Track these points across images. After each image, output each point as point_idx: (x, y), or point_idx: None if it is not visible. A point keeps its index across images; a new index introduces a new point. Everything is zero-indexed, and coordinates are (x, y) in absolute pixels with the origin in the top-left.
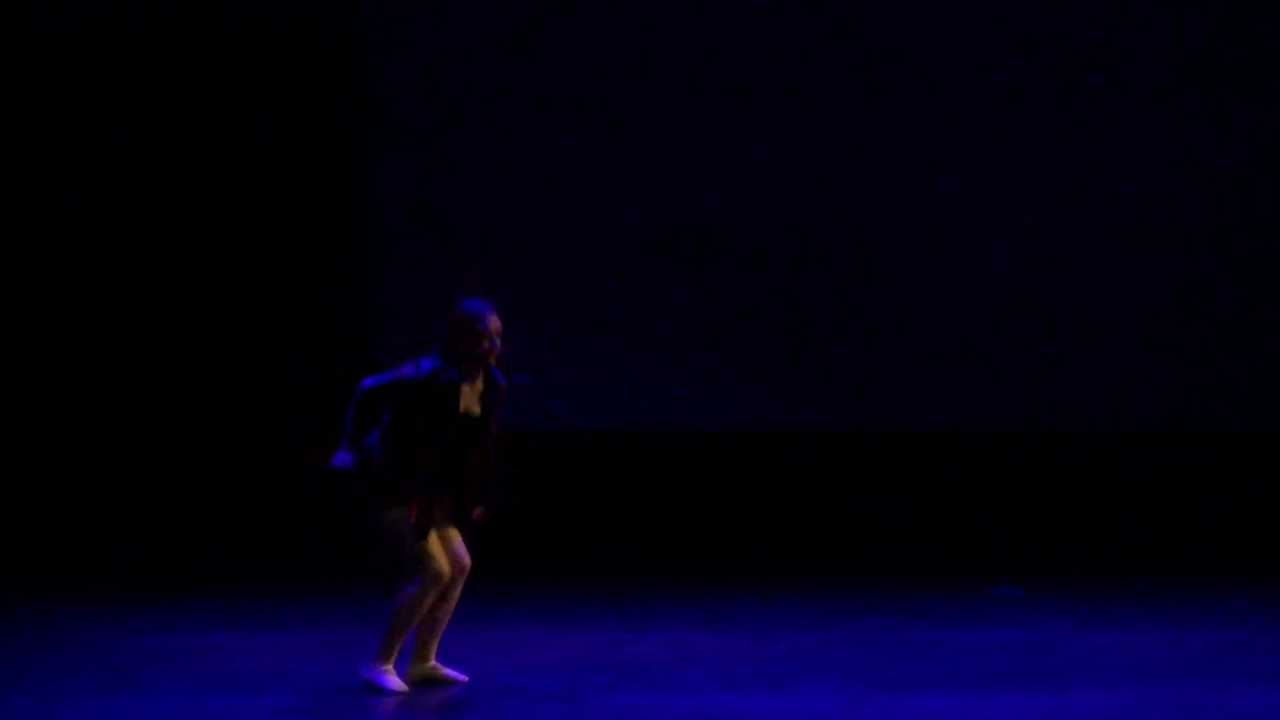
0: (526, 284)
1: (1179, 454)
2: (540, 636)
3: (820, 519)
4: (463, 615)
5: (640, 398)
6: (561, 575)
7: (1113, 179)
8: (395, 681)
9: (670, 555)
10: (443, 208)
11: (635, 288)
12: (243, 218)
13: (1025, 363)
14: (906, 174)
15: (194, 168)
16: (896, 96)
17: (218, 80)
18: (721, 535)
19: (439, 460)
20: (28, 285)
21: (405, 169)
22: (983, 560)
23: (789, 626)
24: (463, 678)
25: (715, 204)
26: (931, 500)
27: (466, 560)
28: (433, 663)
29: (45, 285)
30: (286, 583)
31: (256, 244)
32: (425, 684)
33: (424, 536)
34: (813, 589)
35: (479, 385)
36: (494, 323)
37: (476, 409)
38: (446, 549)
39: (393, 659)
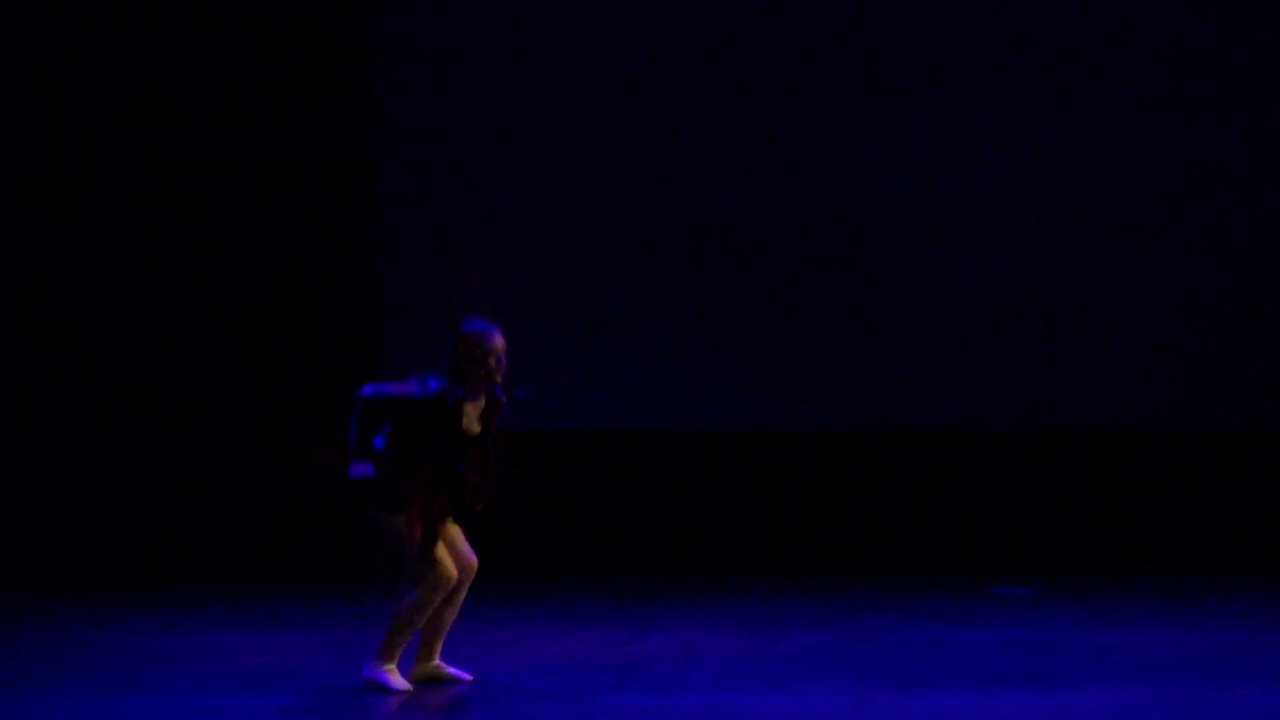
0: (527, 284)
1: (1181, 453)
2: (542, 636)
3: (822, 518)
4: (465, 615)
5: (642, 397)
6: (563, 575)
7: (1113, 179)
8: (399, 681)
9: (672, 555)
10: (444, 207)
11: (636, 288)
12: (245, 217)
13: (1027, 362)
14: (906, 174)
15: (195, 168)
16: (896, 96)
17: (219, 81)
18: (723, 535)
19: (440, 472)
20: (31, 285)
21: (406, 169)
22: (985, 560)
23: (791, 626)
24: (467, 677)
25: (716, 204)
26: (933, 499)
27: (473, 559)
28: (437, 662)
29: (49, 286)
30: (289, 582)
31: (258, 243)
32: (429, 683)
33: (432, 545)
34: (815, 588)
35: (480, 402)
36: (499, 341)
37: (477, 426)
38: (452, 551)
39: (395, 659)
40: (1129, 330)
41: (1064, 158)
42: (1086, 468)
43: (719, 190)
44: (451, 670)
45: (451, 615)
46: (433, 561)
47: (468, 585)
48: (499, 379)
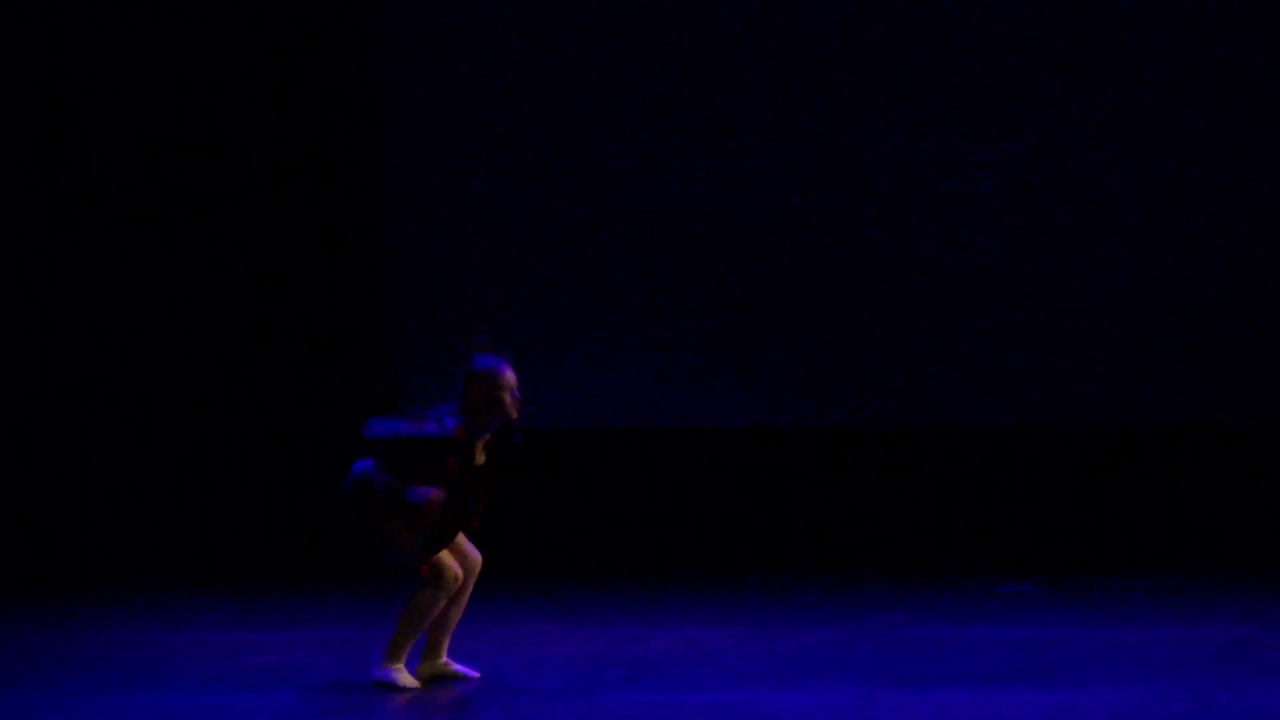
0: (530, 282)
1: (1187, 451)
2: (550, 633)
3: (831, 516)
4: (473, 612)
5: (648, 395)
6: (572, 572)
7: (1113, 178)
8: (408, 679)
9: (681, 552)
10: (451, 206)
11: (642, 287)
12: (248, 217)
13: (1033, 361)
14: (907, 173)
15: (198, 168)
16: (897, 96)
17: (222, 81)
18: (730, 533)
19: (452, 501)
20: (39, 288)
21: (411, 169)
22: (992, 557)
23: (797, 624)
24: (474, 674)
25: (717, 203)
26: (938, 498)
27: (476, 556)
28: (444, 660)
29: (60, 288)
30: (298, 580)
31: (261, 244)
32: (437, 681)
33: (435, 554)
34: (821, 586)
35: (487, 435)
36: (511, 377)
37: (483, 457)
38: (455, 552)
39: (404, 658)
40: (1135, 328)
41: (1065, 157)
42: (1092, 466)
43: (721, 189)
44: (459, 668)
45: (458, 613)
46: (437, 564)
47: (473, 582)
48: (515, 415)
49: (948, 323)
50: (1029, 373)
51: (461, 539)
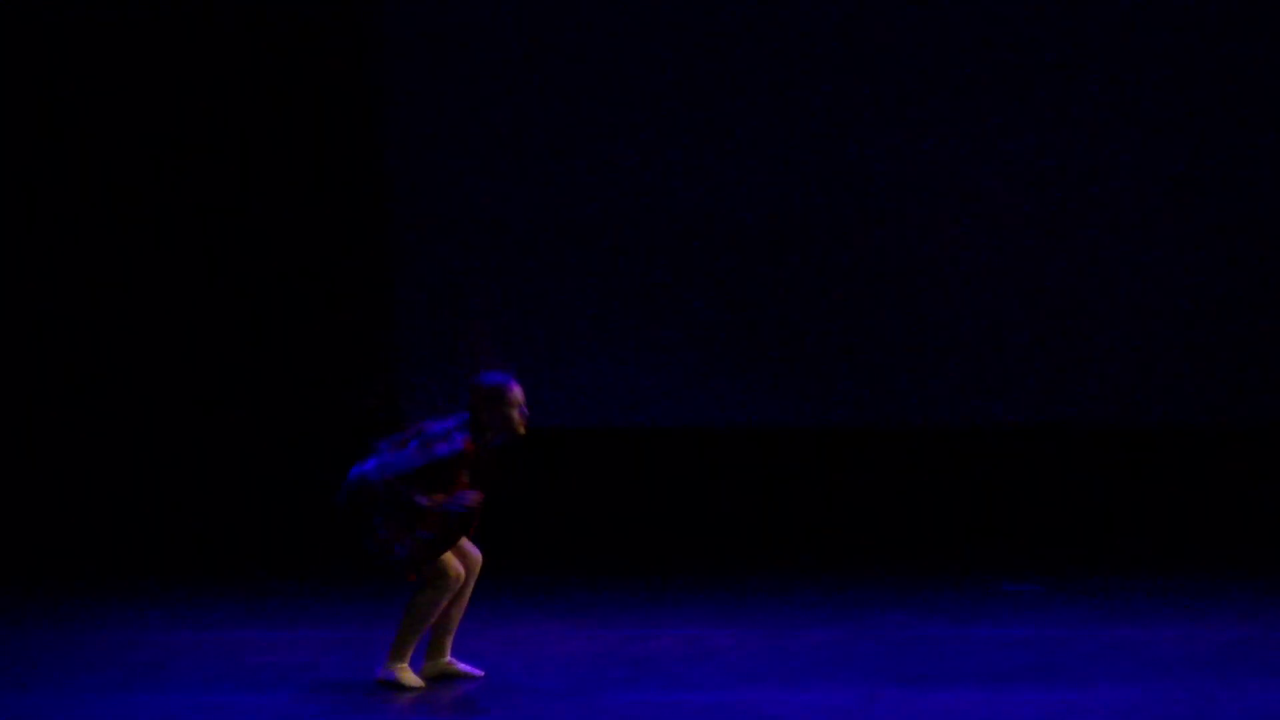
0: (534, 283)
1: (1189, 450)
2: (553, 632)
3: (832, 515)
4: (477, 611)
5: (652, 395)
6: (575, 571)
7: (1113, 178)
8: (412, 679)
9: (682, 551)
10: (452, 206)
11: (643, 287)
12: (251, 216)
13: (1036, 360)
14: (909, 172)
15: (199, 169)
16: (899, 95)
17: (225, 82)
18: (736, 531)
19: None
20: (41, 287)
21: (416, 170)
22: (997, 557)
23: (801, 623)
24: (478, 673)
25: (718, 204)
26: (942, 497)
27: (477, 555)
28: (448, 659)
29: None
30: (302, 579)
31: (266, 244)
32: (440, 680)
33: (436, 557)
34: (828, 585)
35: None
36: (518, 392)
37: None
38: (456, 551)
39: (408, 658)
40: (1135, 328)
41: (1065, 157)
42: (1093, 465)
43: (721, 189)
44: (462, 667)
45: (460, 612)
46: (439, 564)
47: (474, 581)
48: (523, 431)
49: (948, 323)
50: (1029, 373)
51: (462, 538)
